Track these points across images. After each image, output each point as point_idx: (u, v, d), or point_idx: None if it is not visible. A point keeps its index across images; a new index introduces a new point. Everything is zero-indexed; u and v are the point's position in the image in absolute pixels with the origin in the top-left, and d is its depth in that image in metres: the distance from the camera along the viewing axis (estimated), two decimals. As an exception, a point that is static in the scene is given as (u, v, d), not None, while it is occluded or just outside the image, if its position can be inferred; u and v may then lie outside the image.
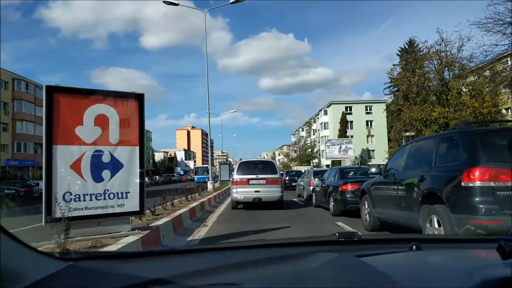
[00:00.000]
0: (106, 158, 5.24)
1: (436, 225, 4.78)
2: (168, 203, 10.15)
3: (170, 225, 7.02)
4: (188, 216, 8.91)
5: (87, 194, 5.05)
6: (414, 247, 1.24)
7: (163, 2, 19.31)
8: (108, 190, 5.24)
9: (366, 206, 7.56)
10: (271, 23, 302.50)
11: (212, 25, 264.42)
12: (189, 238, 6.97)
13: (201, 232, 7.69)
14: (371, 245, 1.45)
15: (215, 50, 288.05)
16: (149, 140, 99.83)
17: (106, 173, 5.23)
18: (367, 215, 7.50)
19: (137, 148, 5.53)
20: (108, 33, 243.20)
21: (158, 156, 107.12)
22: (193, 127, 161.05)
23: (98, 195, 5.15)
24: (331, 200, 10.23)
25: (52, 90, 4.86)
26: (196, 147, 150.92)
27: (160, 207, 9.48)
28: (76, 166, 4.99)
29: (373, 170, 7.12)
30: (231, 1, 19.53)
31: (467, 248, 1.41)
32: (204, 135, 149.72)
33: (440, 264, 1.11)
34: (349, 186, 9.53)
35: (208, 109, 23.41)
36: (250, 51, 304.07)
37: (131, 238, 4.99)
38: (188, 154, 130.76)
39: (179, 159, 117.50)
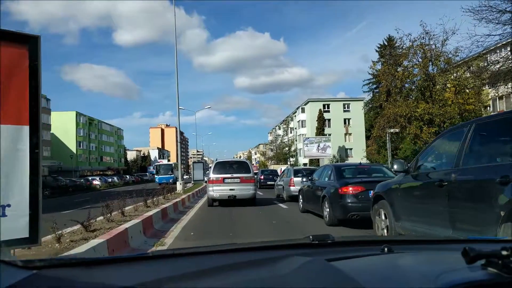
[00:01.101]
0: (-40, 146, 2.90)
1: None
2: (117, 212, 7.77)
3: (104, 249, 4.71)
4: (140, 229, 6.58)
5: None
6: (385, 249, 1.19)
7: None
8: (-36, 203, 2.90)
9: (383, 217, 5.51)
10: (247, 22, 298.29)
11: (188, 23, 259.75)
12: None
13: (153, 256, 5.42)
14: (345, 247, 1.39)
15: (191, 48, 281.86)
16: (121, 138, 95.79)
17: (-40, 173, 2.90)
18: (385, 230, 5.47)
19: (27, 128, 3.21)
20: (79, 28, 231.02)
21: (131, 155, 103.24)
22: (167, 126, 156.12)
23: None
24: (326, 205, 8.16)
25: None
26: (171, 146, 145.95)
27: (103, 218, 7.11)
28: None
29: (397, 166, 5.07)
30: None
31: (436, 250, 1.38)
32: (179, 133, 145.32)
33: (408, 268, 1.10)
34: (351, 189, 7.48)
35: (178, 100, 21.02)
36: (226, 50, 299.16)
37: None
38: (162, 153, 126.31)
39: (152, 158, 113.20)
